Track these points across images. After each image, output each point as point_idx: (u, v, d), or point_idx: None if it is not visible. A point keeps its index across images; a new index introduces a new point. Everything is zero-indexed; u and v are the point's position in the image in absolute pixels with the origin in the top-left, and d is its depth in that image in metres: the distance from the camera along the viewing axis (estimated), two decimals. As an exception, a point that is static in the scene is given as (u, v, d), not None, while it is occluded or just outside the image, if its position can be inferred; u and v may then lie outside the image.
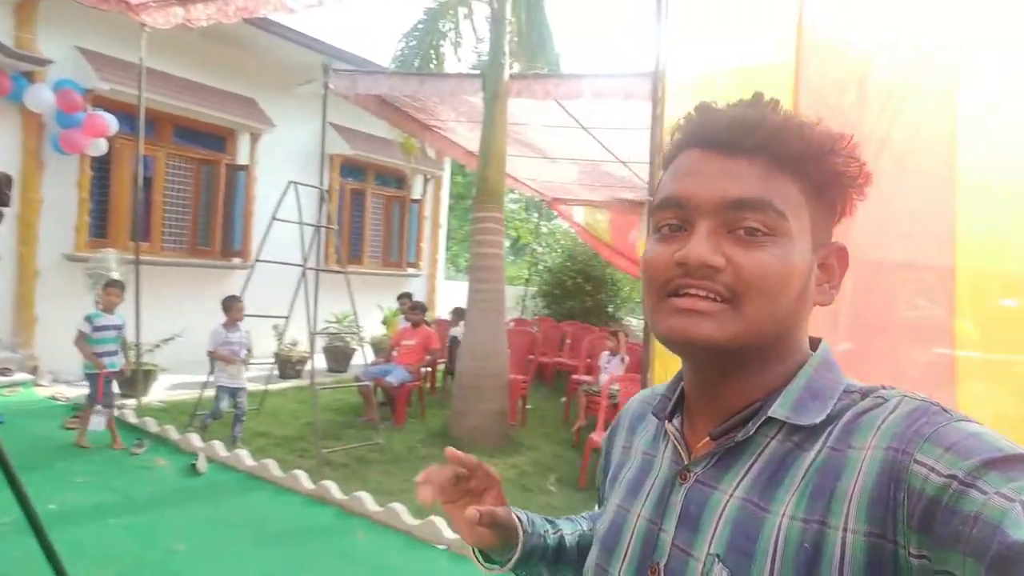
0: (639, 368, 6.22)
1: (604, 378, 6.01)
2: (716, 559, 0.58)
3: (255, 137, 8.70)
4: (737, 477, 0.61)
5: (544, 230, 13.60)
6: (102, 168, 7.26)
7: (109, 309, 4.90)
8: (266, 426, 5.79)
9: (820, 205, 0.63)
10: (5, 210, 2.02)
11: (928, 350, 2.13)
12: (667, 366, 2.83)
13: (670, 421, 0.70)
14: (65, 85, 6.54)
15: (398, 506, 3.87)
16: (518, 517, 0.81)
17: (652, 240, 0.65)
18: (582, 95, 5.33)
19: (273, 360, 7.38)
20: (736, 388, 0.64)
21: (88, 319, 4.81)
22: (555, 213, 11.76)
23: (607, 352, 6.51)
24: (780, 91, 2.40)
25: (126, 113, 6.69)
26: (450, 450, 0.80)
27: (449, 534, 3.64)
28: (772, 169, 0.61)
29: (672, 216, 0.63)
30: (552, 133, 7.09)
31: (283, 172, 7.26)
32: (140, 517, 3.73)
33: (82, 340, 4.74)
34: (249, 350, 5.49)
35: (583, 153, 7.65)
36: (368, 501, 3.97)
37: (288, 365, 7.94)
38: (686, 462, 0.66)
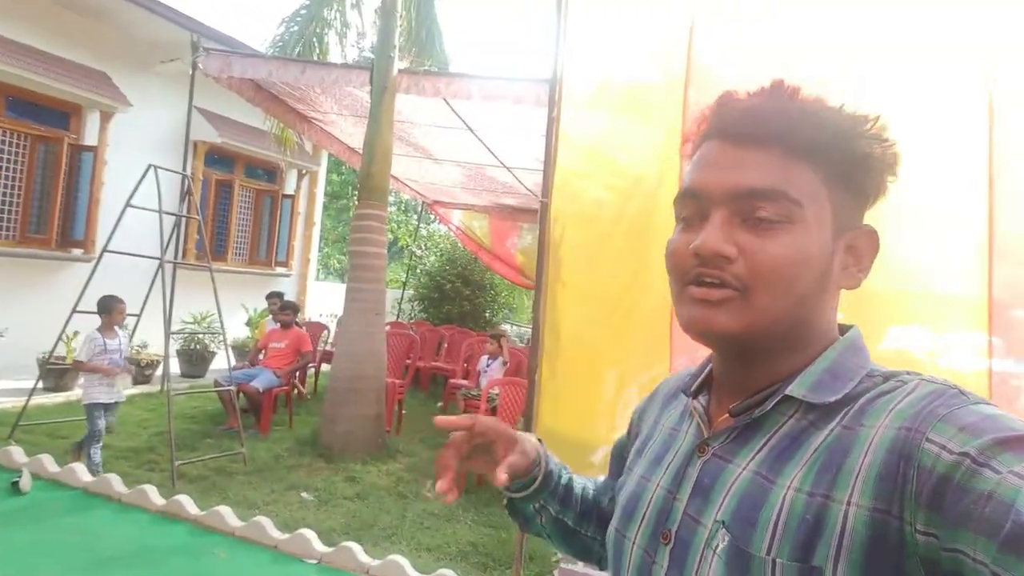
0: (519, 371, 6.29)
1: (484, 382, 5.97)
2: (721, 526, 0.60)
3: (106, 116, 7.83)
4: (752, 452, 0.63)
5: (423, 232, 13.42)
6: (-92, 137, 6.21)
7: None
8: (109, 437, 5.17)
9: (845, 189, 0.63)
10: None
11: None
12: (555, 369, 2.83)
13: (696, 398, 0.73)
14: None
15: (263, 519, 3.57)
16: (540, 440, 0.86)
17: (676, 230, 0.67)
18: (472, 96, 5.27)
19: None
20: (760, 370, 0.65)
21: None
22: (433, 216, 11.63)
23: (486, 356, 6.48)
24: (669, 109, 2.49)
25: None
26: (439, 419, 0.78)
27: (319, 546, 3.42)
28: (789, 157, 0.61)
29: (690, 207, 0.65)
30: (438, 134, 6.99)
31: (139, 157, 6.59)
32: (-57, 545, 3.16)
33: None
34: (128, 358, 4.83)
35: (468, 156, 7.61)
36: (229, 516, 3.64)
37: (137, 369, 7.19)
38: (705, 436, 0.68)
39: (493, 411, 5.24)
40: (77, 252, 7.61)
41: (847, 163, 0.62)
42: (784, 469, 0.59)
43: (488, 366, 6.33)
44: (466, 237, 10.85)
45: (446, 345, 8.98)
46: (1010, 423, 0.51)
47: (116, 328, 4.68)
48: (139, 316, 5.54)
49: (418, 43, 7.79)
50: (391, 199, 16.90)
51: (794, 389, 0.62)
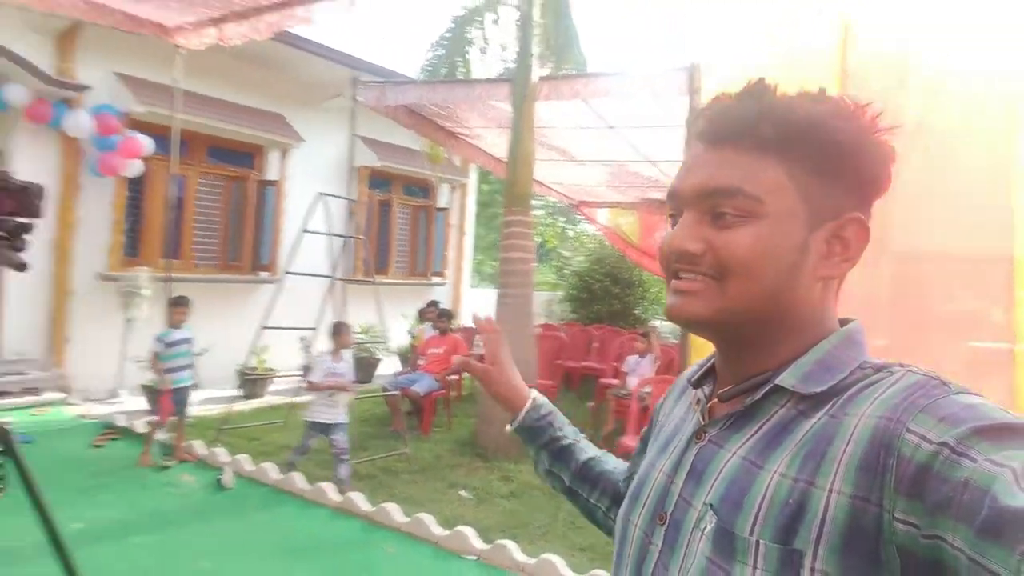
0: (670, 368, 6.10)
1: (633, 381, 5.87)
2: (710, 508, 0.63)
3: (284, 152, 8.79)
4: (744, 438, 0.65)
5: (570, 234, 13.47)
6: (135, 189, 7.38)
7: (177, 325, 5.02)
8: (292, 439, 5.79)
9: (821, 179, 0.64)
10: (39, 224, 2.01)
11: (965, 343, 2.03)
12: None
13: (700, 388, 0.76)
14: (103, 110, 6.66)
15: (426, 516, 3.80)
16: (535, 399, 1.02)
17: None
18: (610, 93, 5.22)
19: (301, 373, 7.42)
20: (750, 358, 0.68)
21: (159, 338, 4.96)
22: (580, 217, 11.63)
23: (635, 356, 6.36)
24: (824, 76, 2.30)
25: (160, 134, 6.79)
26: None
27: (478, 543, 3.57)
28: (754, 153, 0.63)
29: (672, 208, 0.71)
30: (579, 135, 7.00)
31: (311, 186, 7.31)
32: (165, 535, 3.73)
33: (156, 359, 4.92)
34: (352, 381, 5.03)
35: (610, 154, 7.54)
36: (395, 512, 3.92)
37: (318, 377, 7.96)
38: (703, 423, 0.71)
39: (644, 410, 5.12)
40: (265, 275, 8.60)
41: (818, 153, 0.63)
42: (772, 455, 0.61)
43: (637, 365, 6.20)
44: (613, 235, 10.73)
45: (596, 345, 8.94)
46: (989, 412, 0.51)
47: (342, 351, 4.92)
48: (315, 329, 6.15)
49: (556, 49, 7.87)
50: (538, 203, 17.30)
51: (784, 379, 0.63)
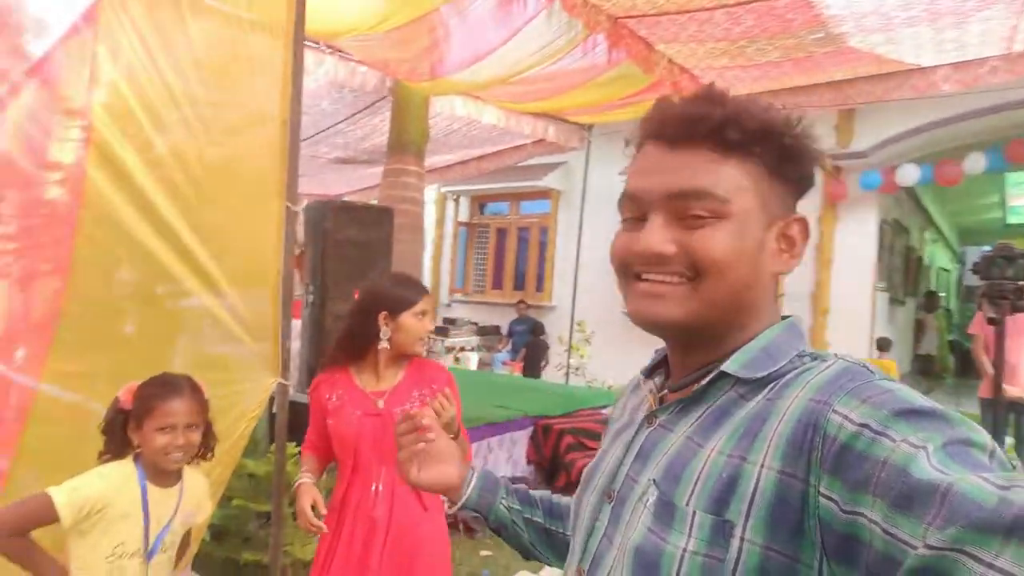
0: None
1: None
2: (652, 483, 0.68)
3: None
4: (690, 421, 0.70)
5: None
6: None
7: None
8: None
9: (773, 182, 0.69)
10: None
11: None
12: None
13: (652, 378, 0.81)
14: None
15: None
16: (473, 469, 0.98)
17: (620, 230, 0.75)
18: None
19: None
20: (703, 352, 0.72)
21: None
22: None
23: None
24: None
25: None
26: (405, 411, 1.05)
27: None
28: (717, 156, 0.68)
29: (630, 209, 0.73)
30: None
31: None
32: None
33: None
34: None
35: None
36: None
37: None
38: (653, 409, 0.76)
39: None
40: None
41: (774, 157, 0.68)
42: (713, 435, 0.65)
43: None
44: None
45: None
46: (908, 396, 0.56)
47: None
48: None
49: None
50: None
51: (728, 366, 0.68)
